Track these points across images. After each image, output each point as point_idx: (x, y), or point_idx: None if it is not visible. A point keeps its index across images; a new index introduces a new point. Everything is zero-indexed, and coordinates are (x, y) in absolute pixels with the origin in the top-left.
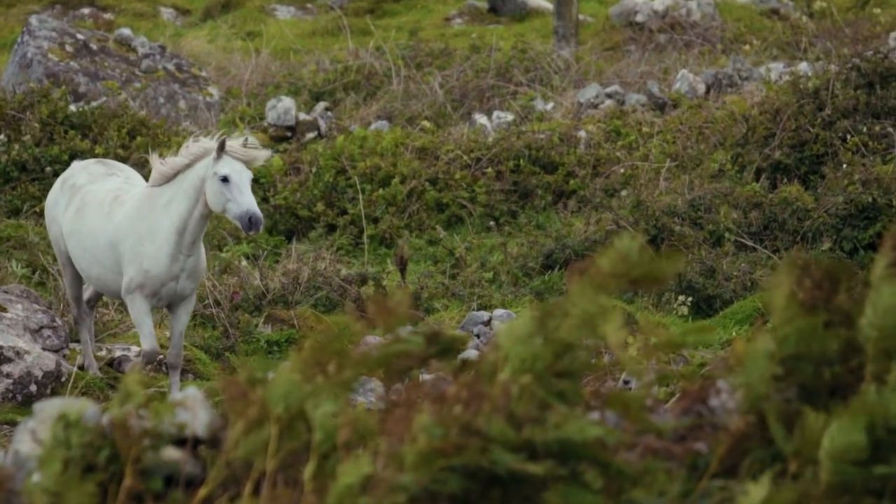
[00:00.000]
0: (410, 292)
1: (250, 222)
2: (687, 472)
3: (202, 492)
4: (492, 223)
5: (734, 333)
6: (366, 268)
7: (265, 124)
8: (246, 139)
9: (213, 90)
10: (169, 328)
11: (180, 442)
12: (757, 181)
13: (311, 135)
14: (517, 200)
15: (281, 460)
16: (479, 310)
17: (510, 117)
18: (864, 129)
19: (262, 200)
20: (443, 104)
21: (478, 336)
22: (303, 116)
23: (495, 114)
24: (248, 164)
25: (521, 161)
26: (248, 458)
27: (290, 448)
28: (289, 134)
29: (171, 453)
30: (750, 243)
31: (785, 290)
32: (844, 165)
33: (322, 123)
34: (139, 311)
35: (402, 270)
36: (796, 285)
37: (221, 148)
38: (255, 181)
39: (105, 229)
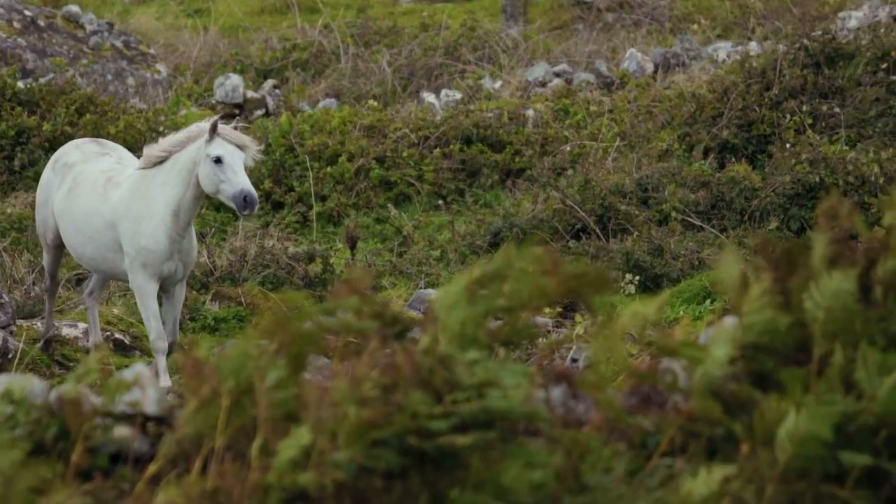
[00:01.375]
0: (369, 272)
1: (245, 202)
2: (635, 450)
3: (151, 468)
4: (439, 201)
5: (681, 312)
6: (313, 245)
7: (213, 101)
8: (237, 122)
9: (160, 67)
10: (162, 315)
11: (130, 419)
12: (705, 160)
13: (258, 112)
14: (465, 179)
15: (230, 436)
16: (426, 288)
17: (458, 96)
18: (811, 109)
19: None
20: (391, 82)
21: (424, 313)
22: (251, 94)
23: (443, 92)
24: (239, 147)
25: (469, 140)
26: (199, 435)
27: (238, 424)
28: (237, 111)
29: (121, 431)
30: (697, 222)
31: (764, 281)
32: (788, 145)
33: (270, 101)
34: (143, 296)
35: (353, 248)
36: (762, 272)
37: (213, 129)
38: None
39: (101, 211)
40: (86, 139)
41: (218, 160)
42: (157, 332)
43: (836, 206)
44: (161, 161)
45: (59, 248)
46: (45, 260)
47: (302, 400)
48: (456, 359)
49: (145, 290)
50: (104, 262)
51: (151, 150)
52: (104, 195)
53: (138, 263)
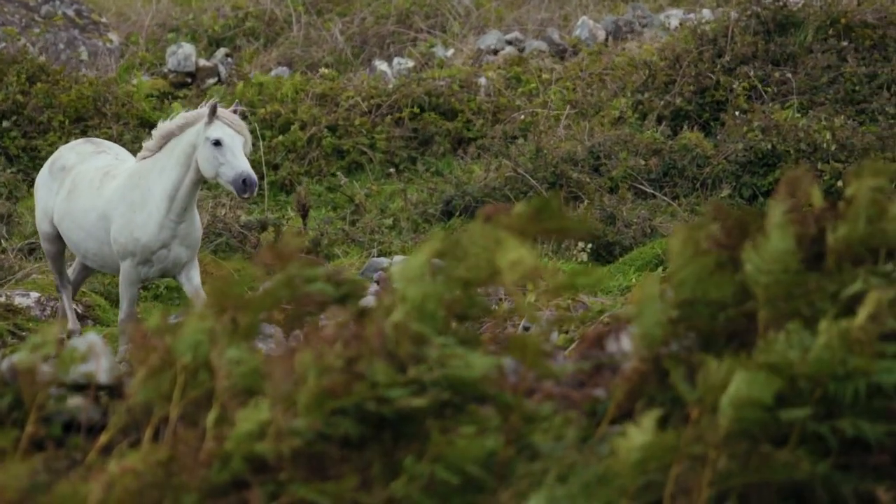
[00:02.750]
0: (309, 237)
1: (244, 184)
2: (586, 417)
3: (103, 438)
4: (392, 170)
5: (634, 280)
6: (266, 214)
7: (165, 70)
8: (236, 105)
9: (112, 36)
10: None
11: (83, 389)
12: (657, 128)
13: (211, 81)
14: (417, 147)
15: (183, 407)
16: (378, 256)
17: (410, 64)
18: (763, 76)
19: None
20: (343, 50)
21: (377, 282)
22: (203, 62)
23: (395, 60)
24: (237, 130)
25: (421, 108)
26: (149, 405)
27: (193, 396)
28: (189, 80)
29: (74, 401)
30: (650, 190)
31: (682, 235)
32: (738, 112)
33: (222, 70)
34: (126, 280)
35: (304, 216)
36: (704, 234)
37: (213, 112)
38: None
39: (96, 204)
40: (80, 140)
41: (217, 143)
42: (128, 315)
43: (799, 176)
44: (159, 148)
45: (58, 249)
46: (49, 260)
47: (262, 372)
48: (427, 339)
49: (129, 276)
50: (108, 258)
51: (149, 141)
52: (100, 189)
53: (126, 252)
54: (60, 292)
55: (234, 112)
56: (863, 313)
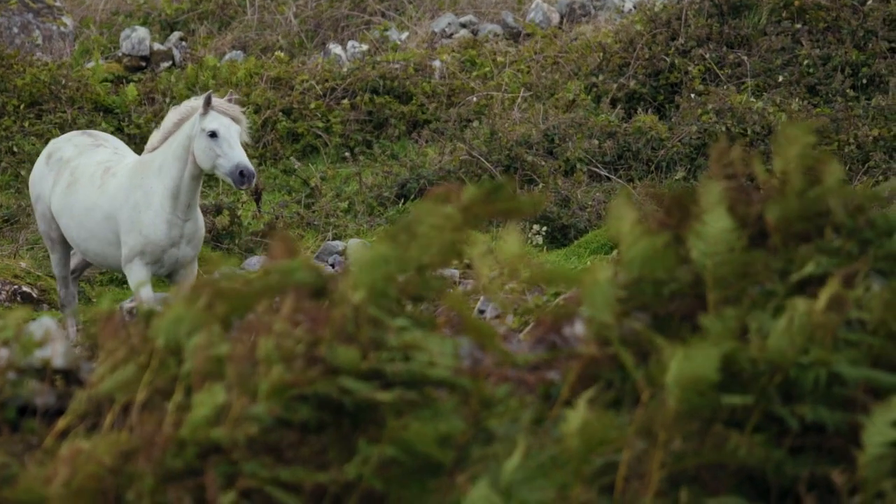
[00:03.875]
0: (264, 220)
1: (242, 176)
2: (540, 400)
3: (61, 423)
4: (347, 153)
5: (588, 263)
6: (220, 198)
7: (119, 54)
8: (231, 95)
9: (66, 20)
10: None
11: (39, 373)
12: (612, 111)
13: (165, 65)
14: (372, 130)
15: (149, 393)
16: (334, 240)
17: (365, 47)
18: (718, 59)
19: (117, 130)
20: (297, 34)
21: (332, 266)
22: (157, 46)
23: (350, 44)
24: (234, 119)
25: (376, 92)
26: (112, 392)
27: (159, 381)
28: (143, 64)
29: (30, 385)
30: (604, 173)
31: (630, 217)
32: (692, 95)
33: (176, 53)
34: (138, 281)
35: (258, 200)
36: (645, 215)
37: (207, 103)
38: (110, 111)
39: (99, 203)
40: (77, 132)
41: (213, 134)
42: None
43: (727, 151)
44: (161, 142)
45: (65, 244)
46: (53, 260)
47: (225, 358)
48: (384, 322)
49: (139, 276)
50: (110, 257)
51: (151, 138)
52: (102, 186)
53: (135, 252)
54: (63, 308)
55: (230, 101)
56: (823, 298)
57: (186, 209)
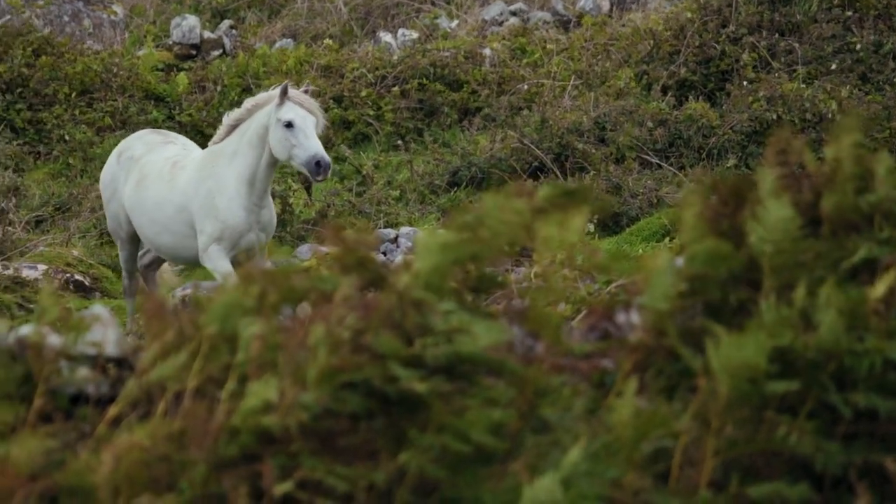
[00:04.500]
0: (315, 208)
1: (318, 167)
2: (594, 389)
3: (112, 411)
4: (398, 141)
5: (640, 251)
6: (272, 186)
7: (170, 42)
8: (307, 86)
9: (117, 8)
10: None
11: (91, 361)
12: (663, 98)
13: (215, 53)
14: (423, 118)
15: (200, 381)
16: (385, 227)
17: (415, 35)
18: (768, 46)
19: (168, 118)
20: (347, 22)
21: (384, 254)
22: (207, 35)
23: (400, 31)
24: (309, 111)
25: (427, 79)
26: (163, 379)
27: (211, 369)
28: (194, 52)
29: (83, 372)
30: (655, 160)
31: (695, 209)
32: (745, 82)
33: (227, 42)
34: (222, 268)
35: (308, 189)
36: (704, 204)
37: (284, 93)
38: (161, 100)
39: (170, 196)
40: (147, 130)
41: (289, 124)
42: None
43: (788, 141)
44: (228, 133)
45: (134, 241)
46: (122, 256)
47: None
48: (430, 305)
49: (221, 269)
50: (184, 250)
51: (219, 130)
52: (171, 181)
53: (213, 238)
54: (127, 299)
55: (306, 92)
56: (881, 286)
57: (262, 195)
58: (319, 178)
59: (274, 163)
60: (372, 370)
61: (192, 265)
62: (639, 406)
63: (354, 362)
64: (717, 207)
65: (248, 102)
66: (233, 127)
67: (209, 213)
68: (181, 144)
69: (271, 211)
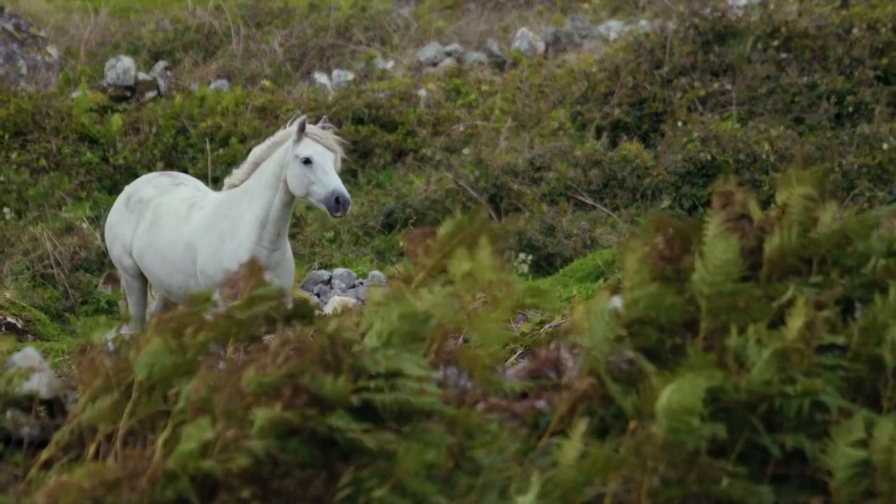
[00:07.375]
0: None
1: (337, 203)
2: (528, 430)
3: (44, 454)
4: None
5: (574, 291)
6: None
7: (104, 84)
8: (325, 121)
9: (51, 50)
10: None
11: (21, 404)
12: (597, 139)
13: (150, 94)
14: (358, 159)
15: (130, 425)
16: (319, 269)
17: (350, 76)
18: (702, 87)
19: (102, 160)
20: (283, 63)
21: (318, 295)
22: (142, 76)
23: (335, 73)
24: (328, 148)
25: (362, 121)
26: (94, 423)
27: (143, 413)
28: (128, 94)
29: (14, 415)
30: (589, 201)
31: (637, 253)
32: (679, 123)
33: (162, 83)
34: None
35: None
36: (650, 247)
37: (301, 129)
38: (95, 141)
39: (182, 234)
40: (155, 173)
41: (307, 161)
42: None
43: (731, 190)
44: (250, 172)
45: (141, 287)
46: (130, 303)
47: (213, 389)
48: (359, 345)
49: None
50: (195, 291)
51: (236, 172)
52: (187, 219)
53: (214, 285)
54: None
55: (323, 128)
56: (795, 324)
57: (275, 238)
58: (338, 213)
59: (290, 202)
60: (318, 422)
61: None
62: (585, 448)
63: (304, 415)
64: (662, 251)
65: (268, 141)
66: (255, 164)
67: (214, 255)
68: (193, 186)
69: (287, 254)
